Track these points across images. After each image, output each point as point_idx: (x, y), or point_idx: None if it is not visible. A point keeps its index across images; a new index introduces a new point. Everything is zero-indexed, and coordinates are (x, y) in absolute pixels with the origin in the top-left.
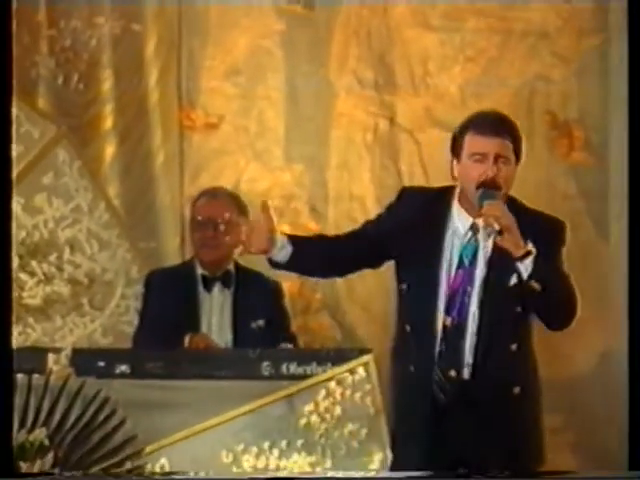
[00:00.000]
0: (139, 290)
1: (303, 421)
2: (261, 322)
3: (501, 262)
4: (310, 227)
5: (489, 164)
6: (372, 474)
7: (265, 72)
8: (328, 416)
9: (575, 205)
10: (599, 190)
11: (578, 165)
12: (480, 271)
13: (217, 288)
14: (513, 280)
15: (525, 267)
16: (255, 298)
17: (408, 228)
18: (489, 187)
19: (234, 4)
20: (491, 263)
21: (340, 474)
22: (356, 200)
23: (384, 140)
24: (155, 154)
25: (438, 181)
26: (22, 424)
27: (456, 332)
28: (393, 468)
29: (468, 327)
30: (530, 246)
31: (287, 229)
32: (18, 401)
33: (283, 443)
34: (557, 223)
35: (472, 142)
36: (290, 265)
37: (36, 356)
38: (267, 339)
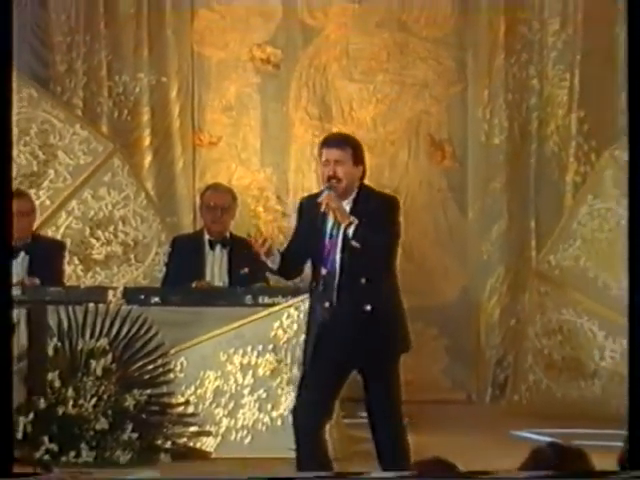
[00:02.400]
0: (167, 249)
1: (272, 333)
2: (246, 270)
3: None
4: (277, 208)
5: (331, 166)
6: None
7: (248, 109)
8: (289, 330)
9: (446, 195)
10: (460, 185)
11: (447, 169)
12: (340, 239)
13: (218, 248)
14: (352, 240)
15: (350, 232)
16: (242, 254)
17: (311, 222)
18: (331, 181)
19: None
20: (344, 233)
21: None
22: (306, 191)
23: None
24: (177, 162)
25: None
26: (92, 336)
27: (329, 276)
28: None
29: (336, 274)
30: (352, 218)
31: (261, 210)
32: (89, 321)
33: (260, 347)
34: (392, 199)
35: (322, 153)
36: (277, 271)
37: (101, 292)
38: (250, 281)
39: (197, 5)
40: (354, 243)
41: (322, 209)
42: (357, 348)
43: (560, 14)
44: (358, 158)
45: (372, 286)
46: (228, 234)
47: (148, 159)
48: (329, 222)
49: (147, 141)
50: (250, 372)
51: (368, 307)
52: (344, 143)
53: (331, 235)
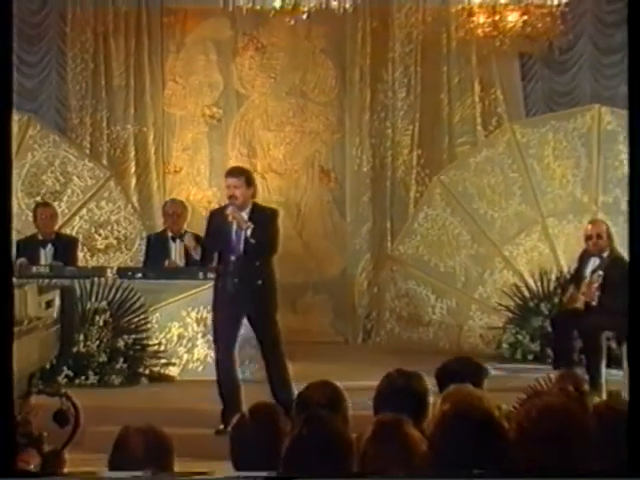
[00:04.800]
0: (145, 243)
1: None
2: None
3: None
4: None
5: (231, 189)
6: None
7: (200, 149)
8: None
9: (331, 206)
10: (341, 199)
11: (332, 188)
12: (242, 237)
13: (177, 241)
14: (250, 238)
15: (248, 233)
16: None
17: (220, 225)
18: (232, 199)
19: (186, 118)
20: (245, 233)
21: None
22: None
23: None
24: (153, 184)
25: (275, 193)
26: (96, 299)
27: (237, 261)
28: None
29: (239, 258)
30: (249, 223)
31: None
32: (94, 290)
33: (209, 307)
34: (273, 211)
35: (226, 180)
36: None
37: (102, 270)
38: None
39: (166, 79)
40: (251, 240)
41: (229, 219)
42: (253, 306)
43: (406, 87)
44: (249, 182)
45: (262, 267)
46: (183, 231)
47: (133, 182)
48: (234, 226)
49: (132, 170)
50: (202, 323)
51: (260, 282)
52: (239, 173)
53: (236, 233)
